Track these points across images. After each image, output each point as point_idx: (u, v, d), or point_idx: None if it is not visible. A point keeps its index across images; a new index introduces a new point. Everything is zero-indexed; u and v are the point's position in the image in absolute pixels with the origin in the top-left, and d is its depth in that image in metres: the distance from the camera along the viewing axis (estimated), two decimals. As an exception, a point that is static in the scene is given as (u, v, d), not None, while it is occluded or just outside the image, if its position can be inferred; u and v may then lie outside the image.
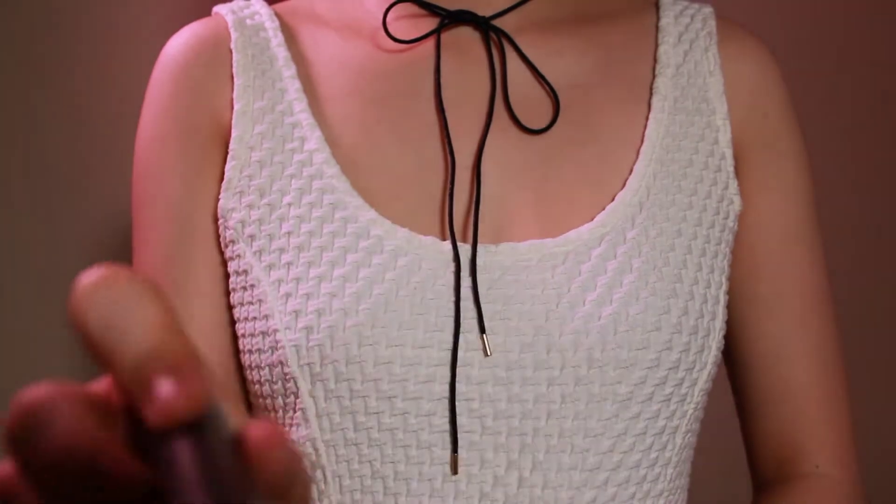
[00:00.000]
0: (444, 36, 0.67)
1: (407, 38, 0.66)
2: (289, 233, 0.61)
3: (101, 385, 0.26)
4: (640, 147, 0.65)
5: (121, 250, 0.70)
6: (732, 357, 0.70)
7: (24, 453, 0.23)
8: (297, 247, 0.60)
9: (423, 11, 0.68)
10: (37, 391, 0.24)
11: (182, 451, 0.23)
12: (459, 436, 0.58)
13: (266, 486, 0.24)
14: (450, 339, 0.58)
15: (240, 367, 0.65)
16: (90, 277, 0.25)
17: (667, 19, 0.69)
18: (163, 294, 0.25)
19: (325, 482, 0.60)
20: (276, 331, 0.59)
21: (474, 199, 0.62)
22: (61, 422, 0.23)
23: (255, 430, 0.24)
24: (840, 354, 0.70)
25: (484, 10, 0.67)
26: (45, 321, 0.93)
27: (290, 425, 0.61)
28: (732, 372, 0.71)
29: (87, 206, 0.95)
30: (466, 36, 0.67)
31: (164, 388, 0.23)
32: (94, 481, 0.23)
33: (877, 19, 1.02)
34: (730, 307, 0.68)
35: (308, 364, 0.58)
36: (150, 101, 0.67)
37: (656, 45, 0.69)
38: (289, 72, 0.65)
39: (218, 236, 0.65)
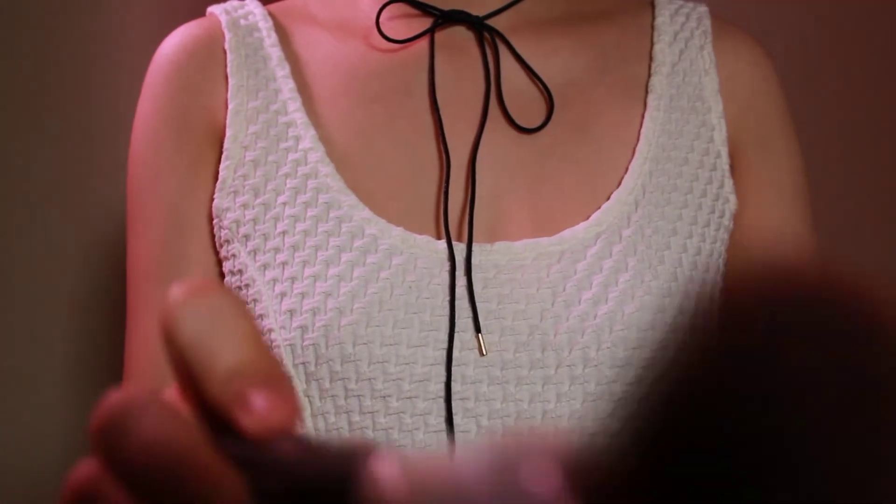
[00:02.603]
0: (438, 36, 0.67)
1: (401, 38, 0.66)
2: (283, 232, 0.61)
3: (170, 396, 0.26)
4: (635, 145, 0.65)
5: (116, 249, 0.70)
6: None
7: (112, 453, 0.23)
8: (292, 246, 0.60)
9: (416, 11, 0.68)
10: (123, 393, 0.24)
11: (284, 452, 0.24)
12: (455, 435, 0.58)
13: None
14: (445, 338, 0.58)
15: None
16: (183, 289, 0.25)
17: (662, 18, 0.69)
18: (247, 308, 0.26)
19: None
20: (270, 330, 0.59)
21: (469, 198, 0.62)
22: (151, 421, 0.23)
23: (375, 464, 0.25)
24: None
25: (478, 10, 0.67)
26: (43, 320, 0.93)
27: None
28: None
29: (83, 206, 0.94)
30: (460, 36, 0.67)
31: (262, 400, 0.24)
32: (185, 484, 0.23)
33: (872, 18, 1.03)
34: (725, 306, 0.68)
35: (303, 363, 0.58)
36: (144, 101, 0.67)
37: (652, 44, 0.69)
38: (283, 71, 0.65)
39: (212, 236, 0.65)
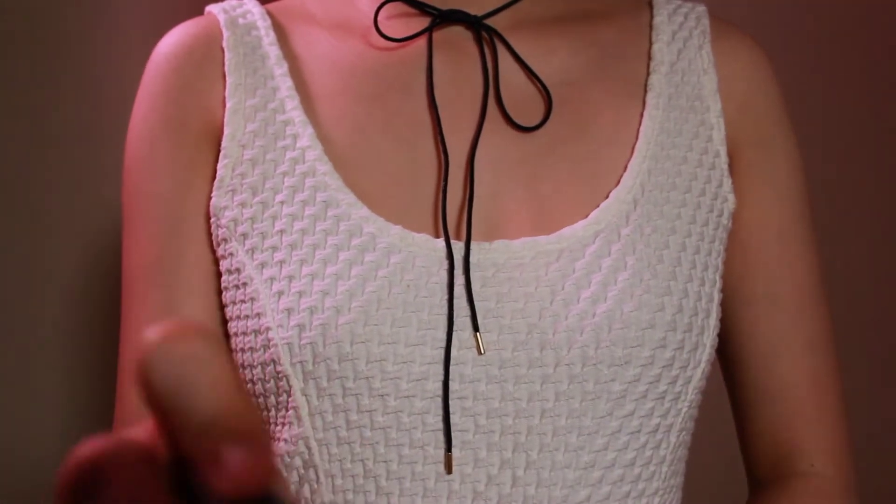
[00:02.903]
0: (436, 35, 0.67)
1: (399, 37, 0.66)
2: (281, 231, 0.61)
3: (147, 431, 0.25)
4: (634, 144, 0.65)
5: (117, 249, 0.70)
6: (727, 355, 0.70)
7: None
8: (290, 245, 0.60)
9: (414, 11, 0.68)
10: (94, 445, 0.23)
11: None
12: (453, 434, 0.58)
13: None
14: (443, 337, 0.58)
15: (232, 367, 0.64)
16: (158, 332, 0.24)
17: (660, 17, 0.69)
18: (225, 349, 0.25)
19: (318, 482, 0.60)
20: (268, 329, 0.59)
21: (467, 196, 0.62)
22: (123, 478, 0.23)
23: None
24: (835, 353, 0.69)
25: (476, 9, 0.67)
26: (43, 321, 0.93)
27: (283, 424, 0.61)
28: (727, 370, 0.71)
29: (83, 206, 0.94)
30: (458, 35, 0.67)
31: (235, 456, 0.23)
32: None
33: (871, 17, 1.02)
34: (724, 305, 0.68)
35: (300, 362, 0.58)
36: (141, 99, 0.67)
37: (650, 43, 0.69)
38: (280, 70, 0.65)
39: (210, 235, 0.64)
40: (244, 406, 0.24)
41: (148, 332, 0.24)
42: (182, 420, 0.23)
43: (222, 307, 0.64)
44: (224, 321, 0.64)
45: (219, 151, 0.64)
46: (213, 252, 0.64)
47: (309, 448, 0.59)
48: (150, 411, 0.24)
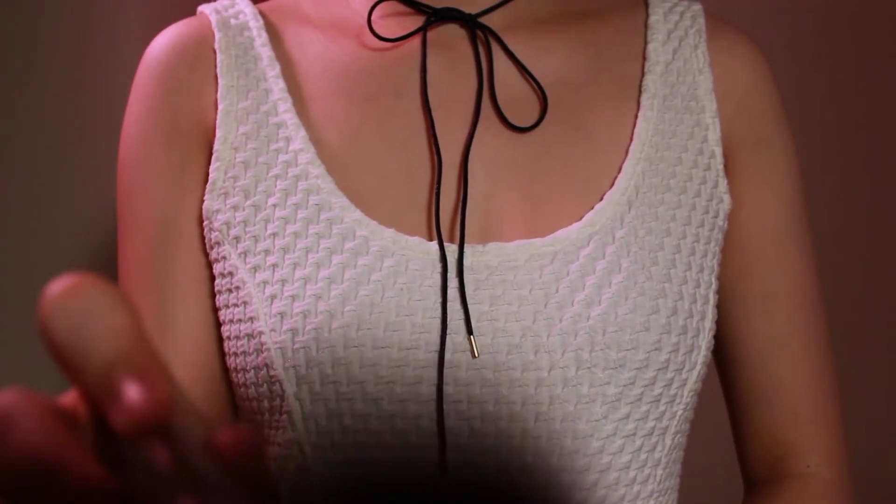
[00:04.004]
0: (431, 34, 0.66)
1: (393, 37, 0.65)
2: (274, 234, 0.60)
3: (69, 397, 0.26)
4: (628, 145, 0.64)
5: (108, 250, 0.70)
6: (723, 356, 0.70)
7: None
8: (282, 248, 0.60)
9: (409, 10, 0.67)
10: (1, 397, 0.24)
11: (155, 451, 0.24)
12: (447, 438, 0.58)
13: (239, 481, 0.25)
14: (437, 340, 0.58)
15: (226, 370, 0.64)
16: (58, 286, 0.25)
17: (656, 17, 0.69)
18: (129, 301, 0.26)
19: (313, 485, 0.59)
20: (261, 333, 0.59)
21: (461, 198, 0.61)
22: (25, 427, 0.24)
23: (226, 434, 0.25)
24: (831, 353, 0.69)
25: (470, 8, 0.66)
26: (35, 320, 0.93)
27: (277, 428, 0.60)
28: (723, 371, 0.70)
29: (83, 206, 0.94)
30: (453, 34, 0.67)
31: (132, 392, 0.24)
32: (58, 488, 0.23)
33: (869, 17, 1.02)
34: (720, 306, 0.67)
35: (294, 366, 0.58)
36: (133, 102, 0.66)
37: (645, 43, 0.68)
38: (273, 71, 0.65)
39: (203, 238, 0.64)
40: (142, 348, 0.25)
41: (47, 289, 0.25)
42: (83, 368, 0.24)
43: (216, 310, 0.64)
44: (219, 324, 0.64)
45: (211, 154, 0.64)
46: (206, 255, 0.64)
47: (303, 452, 0.59)
48: (57, 364, 0.25)
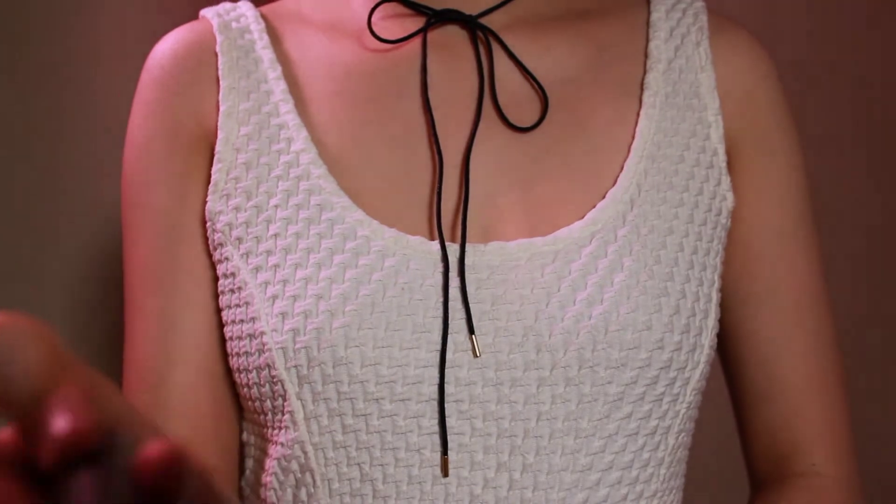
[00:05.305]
0: (431, 35, 0.66)
1: (393, 38, 0.65)
2: (276, 234, 0.61)
3: (7, 432, 0.27)
4: (631, 144, 0.64)
5: (117, 251, 0.70)
6: (728, 355, 0.69)
7: None
8: (284, 248, 0.60)
9: (409, 11, 0.67)
10: None
11: (76, 484, 0.24)
12: (449, 437, 0.58)
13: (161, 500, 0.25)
14: (438, 340, 0.58)
15: (230, 371, 0.64)
16: None
17: (658, 14, 0.69)
18: (47, 330, 0.26)
19: (315, 486, 0.60)
20: (262, 333, 0.59)
21: (462, 198, 0.61)
22: None
23: (148, 451, 0.25)
24: (836, 351, 0.69)
25: (471, 9, 0.67)
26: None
27: (279, 428, 0.61)
28: (728, 370, 0.70)
29: (84, 206, 0.95)
30: (454, 35, 0.67)
31: (51, 426, 0.24)
32: None
33: (871, 15, 1.01)
34: (724, 304, 0.67)
35: (295, 366, 0.58)
36: (137, 106, 0.67)
37: (647, 41, 0.68)
38: (274, 73, 0.65)
39: (206, 240, 0.64)
40: (66, 378, 0.25)
41: None
42: (6, 404, 0.25)
43: (220, 311, 0.64)
44: (222, 325, 0.64)
45: (213, 156, 0.64)
46: (210, 257, 0.64)
47: (305, 452, 0.59)
48: None
